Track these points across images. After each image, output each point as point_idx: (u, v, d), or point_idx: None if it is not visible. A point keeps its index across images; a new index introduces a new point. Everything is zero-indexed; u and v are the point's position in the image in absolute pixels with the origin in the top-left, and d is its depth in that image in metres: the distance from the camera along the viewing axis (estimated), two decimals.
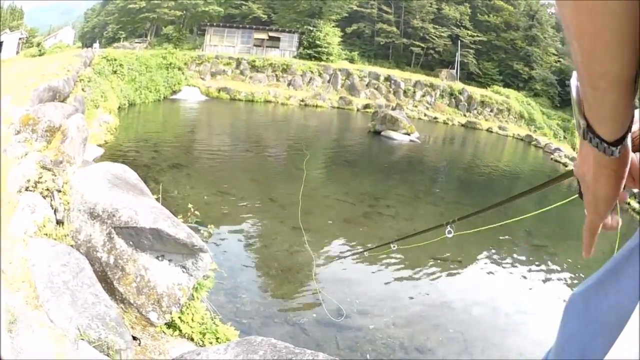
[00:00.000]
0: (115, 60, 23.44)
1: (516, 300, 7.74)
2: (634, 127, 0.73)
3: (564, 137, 41.36)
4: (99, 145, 12.45)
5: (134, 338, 3.60)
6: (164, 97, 26.10)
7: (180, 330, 4.00)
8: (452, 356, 5.72)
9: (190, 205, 5.54)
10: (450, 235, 1.76)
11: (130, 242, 4.01)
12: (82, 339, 2.73)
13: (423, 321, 6.40)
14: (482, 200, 14.07)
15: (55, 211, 4.21)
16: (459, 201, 13.75)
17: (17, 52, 31.93)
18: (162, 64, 28.20)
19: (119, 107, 19.39)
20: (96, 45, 40.00)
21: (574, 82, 0.71)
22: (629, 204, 15.31)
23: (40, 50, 27.91)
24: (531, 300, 7.91)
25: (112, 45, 44.27)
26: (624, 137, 0.69)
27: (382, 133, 22.89)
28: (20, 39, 34.53)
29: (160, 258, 4.07)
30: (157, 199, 5.34)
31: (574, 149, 35.14)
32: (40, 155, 4.94)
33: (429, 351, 5.68)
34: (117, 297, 3.84)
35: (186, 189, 10.37)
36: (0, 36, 30.13)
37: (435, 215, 11.57)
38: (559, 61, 54.31)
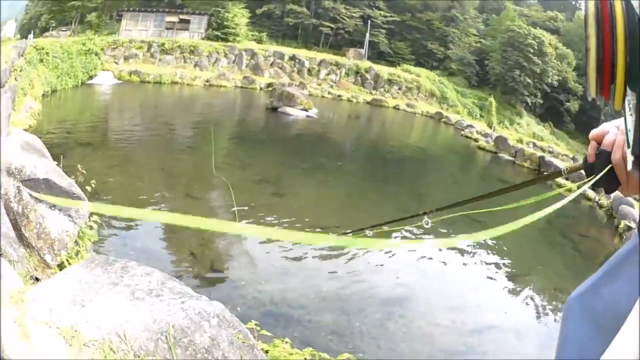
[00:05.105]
0: (42, 49, 23.54)
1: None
2: None
3: (480, 116, 42.12)
4: (25, 130, 13.14)
5: (36, 279, 4.46)
6: (82, 83, 26.22)
7: None
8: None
9: (78, 166, 6.23)
10: (427, 226, 1.66)
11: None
12: None
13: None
14: (390, 175, 14.87)
15: None
16: (360, 174, 14.68)
17: None
18: (82, 50, 28.19)
19: (43, 94, 19.83)
20: (31, 36, 37.80)
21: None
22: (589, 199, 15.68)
23: None
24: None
25: (43, 35, 42.80)
26: None
27: (279, 109, 23.71)
28: None
29: (52, 208, 5.42)
30: (57, 165, 6.01)
31: (490, 127, 36.11)
32: None
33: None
34: (24, 242, 4.88)
35: (90, 164, 11.16)
36: None
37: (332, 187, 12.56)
38: (479, 42, 53.55)
